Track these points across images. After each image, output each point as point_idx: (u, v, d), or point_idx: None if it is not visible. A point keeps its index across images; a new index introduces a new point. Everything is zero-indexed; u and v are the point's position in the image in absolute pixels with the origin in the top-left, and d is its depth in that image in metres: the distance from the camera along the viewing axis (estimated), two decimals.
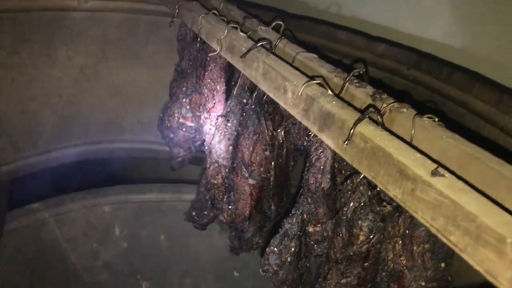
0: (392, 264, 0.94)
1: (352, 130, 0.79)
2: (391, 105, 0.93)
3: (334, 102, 0.89)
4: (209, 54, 1.37)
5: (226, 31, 1.27)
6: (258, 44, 1.15)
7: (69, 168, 2.24)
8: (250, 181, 1.21)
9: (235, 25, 1.29)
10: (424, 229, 0.90)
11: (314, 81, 0.95)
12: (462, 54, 1.70)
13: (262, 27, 1.39)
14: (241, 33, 1.27)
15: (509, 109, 1.43)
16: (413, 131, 0.86)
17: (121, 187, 2.42)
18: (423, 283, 0.92)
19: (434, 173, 0.66)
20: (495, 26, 1.62)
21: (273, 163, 1.31)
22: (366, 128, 0.79)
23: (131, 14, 2.03)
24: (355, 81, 1.05)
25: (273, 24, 1.38)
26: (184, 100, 1.61)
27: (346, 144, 0.80)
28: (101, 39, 2.05)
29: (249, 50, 1.14)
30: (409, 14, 1.86)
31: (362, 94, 1.00)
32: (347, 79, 1.03)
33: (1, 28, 1.80)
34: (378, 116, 0.83)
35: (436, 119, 0.88)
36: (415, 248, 0.91)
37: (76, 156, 2.26)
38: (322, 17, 2.02)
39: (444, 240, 0.63)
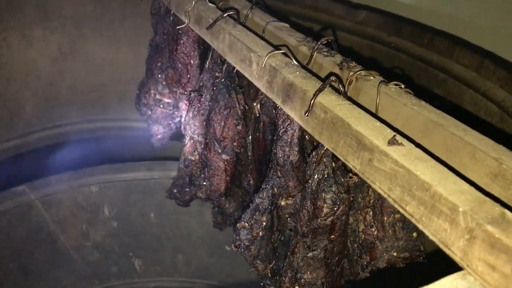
0: (363, 235, 0.92)
1: (312, 101, 0.77)
2: (357, 73, 0.90)
3: (298, 73, 0.86)
4: (177, 27, 1.33)
5: (193, 2, 1.23)
6: (225, 15, 1.11)
7: (53, 149, 2.21)
8: (224, 156, 1.19)
9: None
10: None
11: (279, 51, 0.92)
12: (442, 19, 1.66)
13: None
14: (209, 4, 1.23)
15: (490, 73, 1.40)
16: (378, 99, 0.84)
17: (108, 167, 2.39)
18: (395, 253, 0.91)
19: (391, 142, 0.64)
20: None
21: (250, 137, 1.29)
22: (327, 98, 0.77)
23: None
24: (324, 50, 1.02)
25: None
26: (159, 76, 1.58)
27: (307, 116, 0.78)
28: (76, 16, 2.00)
29: (215, 21, 1.11)
30: None
31: (329, 64, 0.97)
32: (315, 48, 1.00)
33: None
34: (340, 85, 0.80)
35: (403, 86, 0.85)
36: (385, 218, 0.89)
37: (59, 137, 2.23)
38: None
39: (401, 210, 0.62)
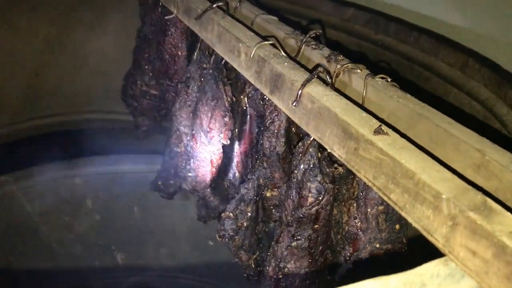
0: (347, 227, 0.93)
1: (300, 91, 0.77)
2: (345, 66, 0.91)
3: (286, 64, 0.87)
4: (166, 17, 1.32)
5: None
6: (214, 6, 1.11)
7: (37, 141, 2.19)
8: (210, 148, 1.19)
9: None
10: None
11: (267, 42, 0.93)
12: (428, 18, 1.67)
13: None
14: None
15: (474, 72, 1.42)
16: (364, 92, 0.84)
17: (92, 159, 2.37)
18: (377, 245, 0.92)
19: (377, 131, 0.65)
20: None
21: (236, 129, 1.29)
22: (315, 89, 0.77)
23: None
24: (312, 43, 1.03)
25: None
26: (146, 67, 1.57)
27: (295, 106, 0.78)
28: (64, 6, 1.98)
29: (204, 12, 1.10)
30: None
31: (317, 56, 0.98)
32: (303, 41, 1.01)
33: None
34: (328, 77, 0.81)
35: (389, 79, 0.86)
36: (369, 210, 0.90)
37: (44, 128, 2.21)
38: None
39: (386, 198, 0.62)
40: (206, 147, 1.19)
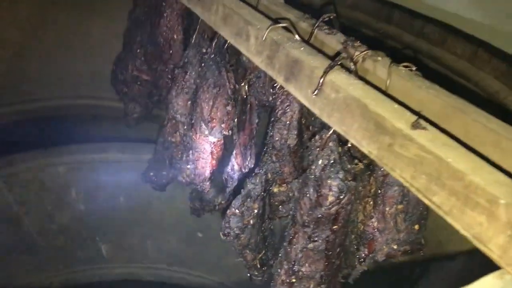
0: (362, 226, 0.87)
1: (322, 79, 0.70)
2: (364, 53, 0.83)
3: (302, 48, 0.79)
4: None
5: None
6: None
7: (19, 126, 2.08)
8: (211, 138, 1.11)
9: None
10: (397, 189, 0.82)
11: (280, 25, 0.85)
12: (434, 8, 1.61)
13: None
14: None
15: (484, 64, 1.36)
16: (388, 81, 0.77)
17: (76, 147, 2.27)
18: (395, 246, 0.86)
19: (415, 126, 0.58)
20: None
21: (236, 119, 1.22)
22: (338, 77, 0.70)
23: None
24: (325, 27, 0.95)
25: None
26: (138, 51, 1.48)
27: (315, 95, 0.71)
28: None
29: None
30: None
31: (332, 41, 0.90)
32: (317, 24, 0.93)
33: None
34: (351, 64, 0.73)
35: (414, 68, 0.80)
36: (387, 209, 0.84)
37: (26, 113, 2.10)
38: None
39: (426, 201, 0.56)
40: (206, 138, 1.11)
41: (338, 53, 0.82)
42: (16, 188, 2.14)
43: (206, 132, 1.10)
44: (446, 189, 0.53)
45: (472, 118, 0.66)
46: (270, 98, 1.25)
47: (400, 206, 0.83)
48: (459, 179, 0.51)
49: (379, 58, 0.83)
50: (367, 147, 0.64)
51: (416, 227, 0.85)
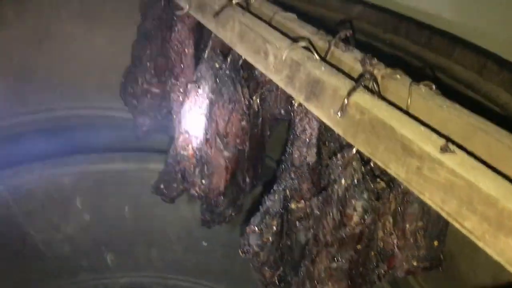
0: (382, 243, 0.87)
1: (346, 100, 0.71)
2: (383, 71, 0.84)
3: (323, 68, 0.80)
4: (177, 12, 1.24)
5: None
6: (234, 2, 1.03)
7: (25, 137, 2.08)
8: (226, 153, 1.11)
9: None
10: (417, 206, 0.83)
11: (300, 44, 0.85)
12: (441, 19, 1.62)
13: None
14: None
15: (492, 75, 1.37)
16: (409, 100, 0.78)
17: (82, 157, 2.27)
18: (415, 263, 0.86)
19: (444, 149, 0.59)
20: None
21: (248, 133, 1.22)
22: (362, 98, 0.71)
23: None
24: (341, 44, 0.96)
25: None
26: (148, 64, 1.49)
27: (340, 116, 0.71)
28: None
29: (222, 8, 1.03)
30: None
31: (350, 59, 0.91)
32: (333, 42, 0.94)
33: None
34: (374, 84, 0.74)
35: (434, 86, 0.80)
36: (407, 226, 0.84)
37: (32, 124, 2.10)
38: None
39: (457, 225, 0.56)
40: (221, 153, 1.11)
41: (361, 74, 0.82)
42: (22, 199, 2.14)
43: (221, 147, 1.10)
44: (478, 214, 0.54)
45: (495, 138, 0.66)
46: (283, 112, 1.25)
47: (420, 223, 0.84)
48: (492, 205, 0.52)
49: (398, 76, 0.84)
50: (394, 170, 0.64)
51: (436, 243, 0.86)
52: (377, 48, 1.79)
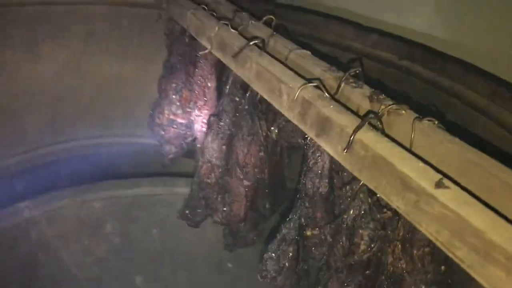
0: (391, 268, 0.93)
1: (352, 138, 0.77)
2: (389, 107, 0.91)
3: (332, 106, 0.87)
4: (200, 53, 1.33)
5: (216, 28, 1.24)
6: (251, 43, 1.12)
7: (57, 165, 2.20)
8: (245, 182, 1.19)
9: (225, 22, 1.26)
10: (423, 233, 0.88)
11: (311, 84, 0.93)
12: (452, 45, 1.68)
13: (253, 22, 1.35)
14: (232, 30, 1.24)
15: (505, 102, 1.41)
16: (412, 135, 0.84)
17: (111, 182, 2.38)
18: (423, 287, 0.91)
19: (438, 185, 0.65)
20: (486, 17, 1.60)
21: (267, 162, 1.30)
22: (366, 135, 0.77)
23: (114, 7, 1.98)
24: (351, 80, 1.03)
25: (264, 18, 1.35)
26: (174, 96, 1.58)
27: (346, 152, 0.78)
28: (84, 33, 2.00)
29: (241, 50, 1.11)
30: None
31: (358, 95, 0.98)
32: (343, 79, 1.01)
33: None
34: (378, 122, 0.81)
35: (436, 122, 0.86)
36: (415, 251, 0.89)
37: (64, 152, 2.22)
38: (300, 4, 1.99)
39: (450, 254, 0.62)
40: (241, 182, 1.19)
41: (367, 112, 0.89)
42: (55, 223, 2.24)
43: (241, 177, 1.18)
44: (467, 245, 0.59)
45: (490, 172, 0.72)
46: (300, 140, 1.32)
47: (427, 249, 0.89)
48: (479, 236, 0.58)
49: (403, 112, 0.90)
50: (395, 203, 0.70)
51: (443, 268, 0.91)
52: (393, 74, 1.85)
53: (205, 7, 1.40)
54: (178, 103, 1.58)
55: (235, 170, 1.18)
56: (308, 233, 1.01)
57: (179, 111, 1.59)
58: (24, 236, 2.16)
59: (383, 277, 0.94)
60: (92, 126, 2.21)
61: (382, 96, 0.95)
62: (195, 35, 1.35)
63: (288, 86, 0.94)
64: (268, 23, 1.34)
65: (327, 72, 1.08)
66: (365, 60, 1.88)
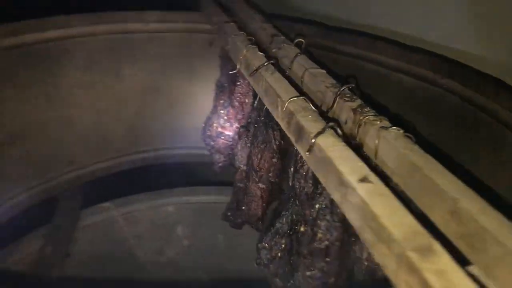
0: (367, 262, 1.03)
1: (313, 141, 0.91)
2: (366, 117, 1.02)
3: (310, 117, 1.01)
4: (229, 72, 1.53)
5: (245, 51, 1.42)
6: (265, 63, 1.29)
7: (135, 172, 2.51)
8: (260, 185, 1.35)
9: (253, 45, 1.44)
10: None
11: (298, 97, 1.08)
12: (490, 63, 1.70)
13: (285, 45, 1.52)
14: (258, 53, 1.41)
15: None
16: (377, 142, 0.96)
17: (183, 189, 2.65)
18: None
19: (362, 180, 0.77)
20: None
21: (292, 169, 1.44)
22: (325, 140, 0.91)
23: (185, 34, 2.25)
24: (347, 95, 1.15)
25: (295, 41, 1.52)
26: (221, 111, 1.79)
27: (308, 154, 0.92)
28: (160, 57, 2.29)
29: (256, 69, 1.28)
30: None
31: (347, 108, 1.11)
32: (338, 93, 1.14)
33: (74, 51, 2.09)
34: (339, 129, 0.93)
35: (401, 131, 0.96)
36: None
37: (142, 161, 2.52)
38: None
39: (361, 237, 0.74)
40: (257, 184, 1.35)
41: (328, 120, 1.02)
42: (131, 224, 2.55)
43: (256, 180, 1.34)
44: (369, 228, 0.71)
45: (426, 174, 0.82)
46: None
47: None
48: (376, 221, 0.69)
49: (378, 122, 1.01)
50: (334, 196, 0.83)
51: None
52: (435, 92, 1.90)
53: (244, 33, 1.60)
54: (225, 117, 1.79)
55: (252, 174, 1.35)
56: (302, 229, 1.14)
57: (226, 124, 1.80)
58: (104, 234, 2.48)
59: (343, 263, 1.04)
60: (164, 138, 2.50)
61: (366, 109, 1.07)
62: (232, 57, 1.55)
63: (282, 99, 1.10)
64: (298, 45, 1.51)
65: (329, 88, 1.21)
66: (407, 77, 1.95)
